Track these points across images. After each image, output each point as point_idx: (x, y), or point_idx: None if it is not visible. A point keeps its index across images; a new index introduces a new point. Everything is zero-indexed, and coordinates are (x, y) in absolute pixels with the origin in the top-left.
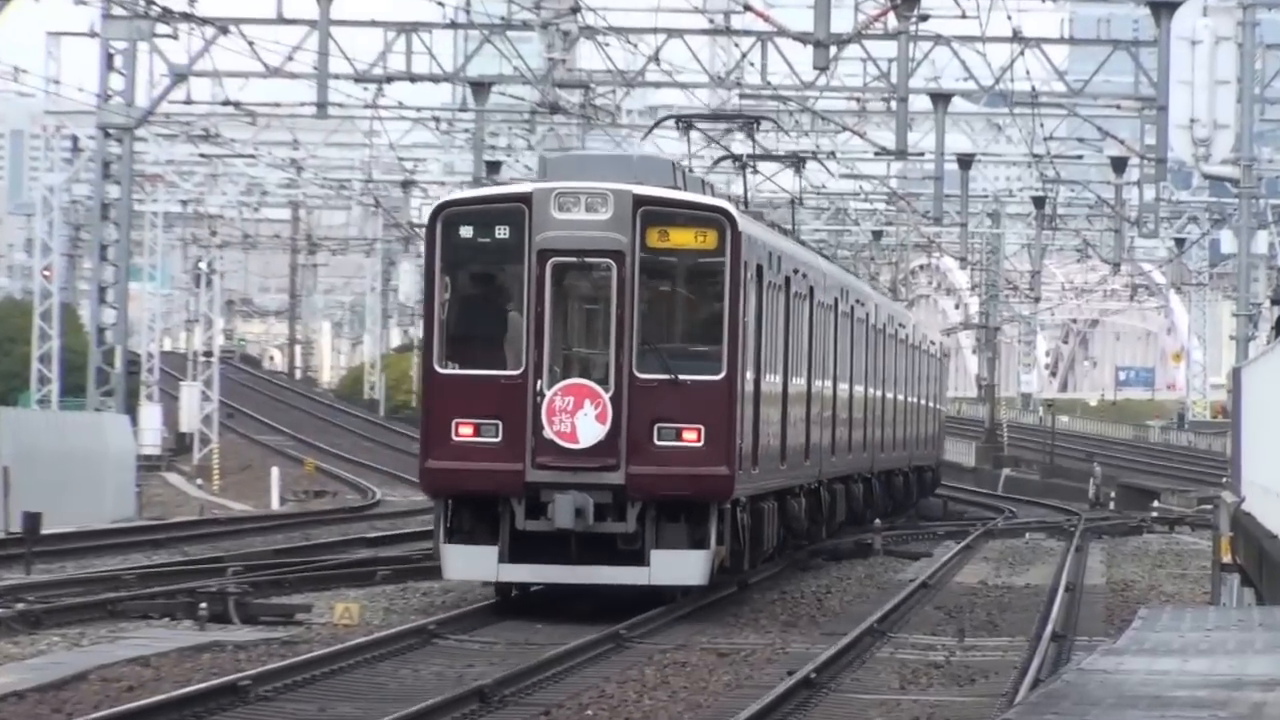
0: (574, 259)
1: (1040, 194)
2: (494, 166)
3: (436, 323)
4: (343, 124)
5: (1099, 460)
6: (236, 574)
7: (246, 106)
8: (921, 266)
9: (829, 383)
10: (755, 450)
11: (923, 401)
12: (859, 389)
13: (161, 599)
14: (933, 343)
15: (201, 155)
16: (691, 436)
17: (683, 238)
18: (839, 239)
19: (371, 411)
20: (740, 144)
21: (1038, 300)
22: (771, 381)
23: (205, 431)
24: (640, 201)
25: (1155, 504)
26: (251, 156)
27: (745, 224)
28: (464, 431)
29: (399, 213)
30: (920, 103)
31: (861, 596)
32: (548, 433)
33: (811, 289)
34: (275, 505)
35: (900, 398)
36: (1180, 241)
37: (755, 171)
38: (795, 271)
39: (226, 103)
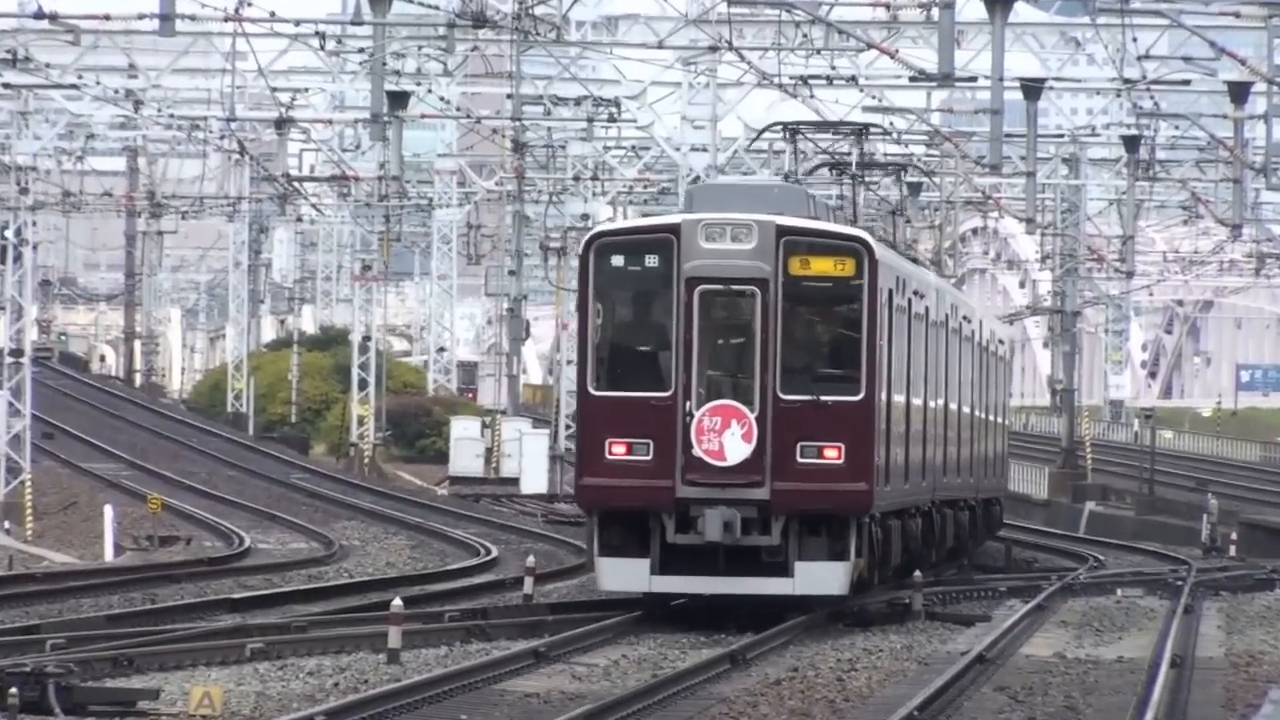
0: (720, 286)
1: (1133, 132)
2: (400, 98)
3: (590, 347)
4: (195, 43)
5: (1215, 491)
6: (58, 649)
7: (66, 20)
8: (974, 231)
9: (941, 403)
10: (887, 468)
11: (995, 418)
12: (965, 410)
13: None
14: (1005, 347)
15: (6, 86)
16: (833, 454)
17: (823, 265)
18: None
19: (237, 429)
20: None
21: (1131, 276)
22: (899, 402)
23: (14, 457)
24: (783, 231)
25: None
26: (74, 87)
27: (881, 251)
28: (617, 450)
29: (272, 162)
30: (972, 10)
31: (897, 675)
32: (697, 451)
33: (928, 309)
34: (109, 556)
35: (998, 420)
36: None
37: (865, 184)
38: (916, 293)
39: (39, 15)
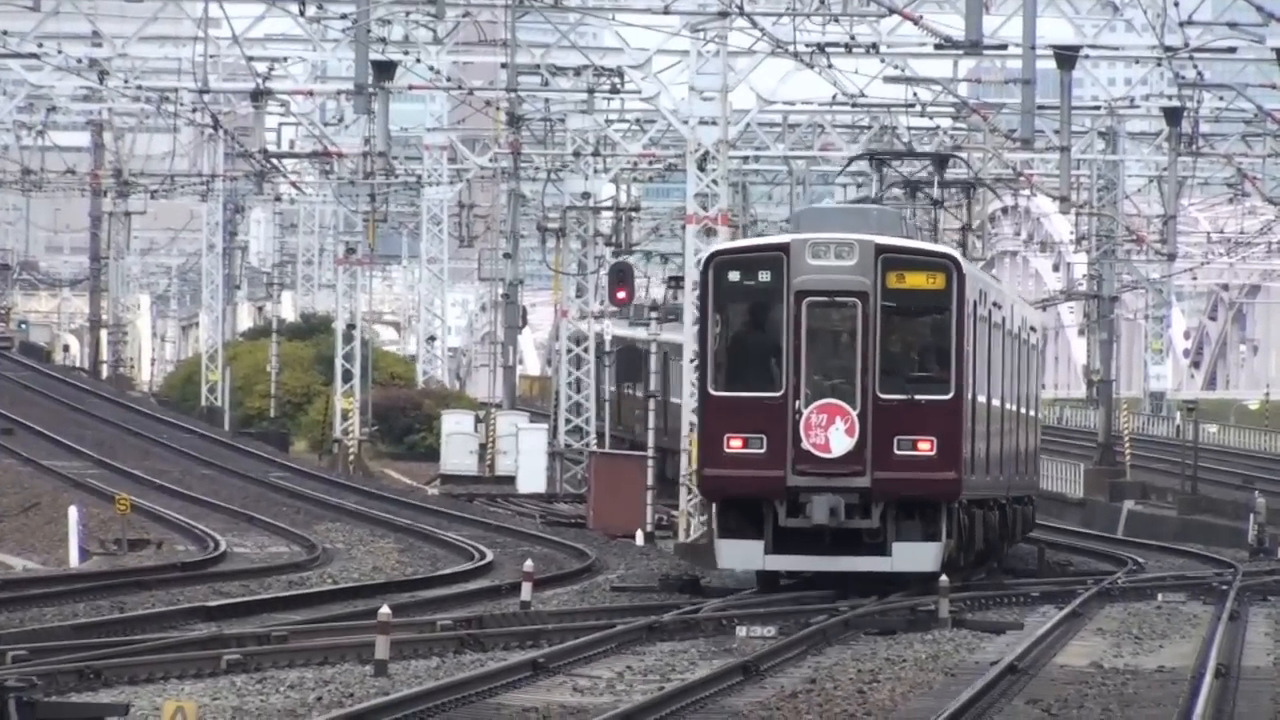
0: (826, 298)
1: (1175, 104)
2: (386, 68)
3: (710, 352)
4: (165, 8)
5: (1262, 489)
6: (19, 660)
7: None
8: (1004, 210)
9: (1014, 405)
10: (973, 461)
11: (1038, 414)
12: (1030, 412)
13: None
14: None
15: None
16: (925, 447)
17: (917, 280)
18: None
19: (212, 424)
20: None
21: (1173, 258)
22: (981, 402)
23: None
24: (881, 250)
25: None
26: (34, 56)
27: (968, 267)
28: (734, 444)
29: (248, 137)
30: None
31: (922, 686)
32: (805, 444)
33: (1004, 319)
34: (74, 561)
35: (1039, 416)
36: None
37: (944, 207)
38: (995, 304)
39: None
